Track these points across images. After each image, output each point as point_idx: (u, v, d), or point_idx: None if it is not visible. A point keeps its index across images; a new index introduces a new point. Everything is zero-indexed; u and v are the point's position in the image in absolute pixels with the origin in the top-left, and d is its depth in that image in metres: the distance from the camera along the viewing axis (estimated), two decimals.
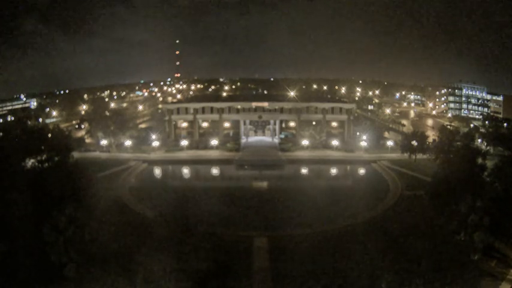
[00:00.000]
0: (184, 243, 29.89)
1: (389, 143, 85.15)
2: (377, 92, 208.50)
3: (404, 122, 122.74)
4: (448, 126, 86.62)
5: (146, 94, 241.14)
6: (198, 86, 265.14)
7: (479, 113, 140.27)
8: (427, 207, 42.39)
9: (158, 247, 28.77)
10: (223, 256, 34.37)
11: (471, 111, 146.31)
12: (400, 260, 31.66)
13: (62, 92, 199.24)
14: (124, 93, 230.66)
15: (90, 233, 31.00)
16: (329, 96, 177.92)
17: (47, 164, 46.48)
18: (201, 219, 38.68)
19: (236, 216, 47.98)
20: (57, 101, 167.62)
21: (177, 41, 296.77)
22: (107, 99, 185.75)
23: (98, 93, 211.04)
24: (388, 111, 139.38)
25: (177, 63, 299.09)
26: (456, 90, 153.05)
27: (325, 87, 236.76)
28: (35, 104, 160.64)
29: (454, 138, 68.25)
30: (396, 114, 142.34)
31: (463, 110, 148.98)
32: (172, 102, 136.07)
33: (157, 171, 75.23)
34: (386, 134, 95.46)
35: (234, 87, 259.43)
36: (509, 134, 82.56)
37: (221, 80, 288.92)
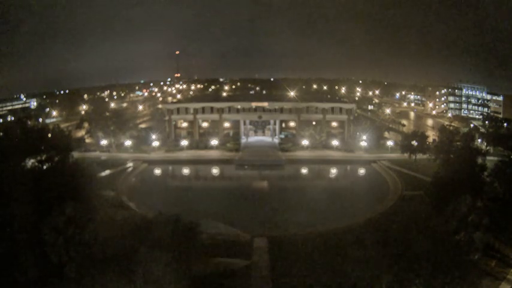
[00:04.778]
0: (184, 243, 29.87)
1: (389, 143, 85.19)
2: (377, 92, 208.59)
3: (404, 121, 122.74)
4: (448, 126, 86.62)
5: (146, 94, 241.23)
6: (198, 86, 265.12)
7: (479, 113, 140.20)
8: (427, 207, 42.35)
9: (158, 247, 28.73)
10: (223, 256, 34.39)
11: (471, 111, 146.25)
12: (400, 260, 31.62)
13: (62, 92, 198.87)
14: (124, 93, 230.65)
15: (90, 233, 30.95)
16: (329, 96, 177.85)
17: (47, 164, 46.39)
18: (201, 219, 38.61)
19: (236, 216, 47.98)
20: (57, 101, 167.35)
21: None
22: (107, 99, 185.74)
23: (98, 93, 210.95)
24: (388, 111, 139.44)
25: (177, 63, 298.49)
26: (456, 90, 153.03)
27: (325, 87, 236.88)
28: (35, 104, 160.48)
29: (454, 138, 68.21)
30: (397, 112, 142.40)
31: (463, 110, 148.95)
32: (172, 102, 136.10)
33: (158, 171, 75.27)
34: (386, 134, 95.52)
35: (234, 87, 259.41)
36: (509, 134, 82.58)
37: (221, 80, 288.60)
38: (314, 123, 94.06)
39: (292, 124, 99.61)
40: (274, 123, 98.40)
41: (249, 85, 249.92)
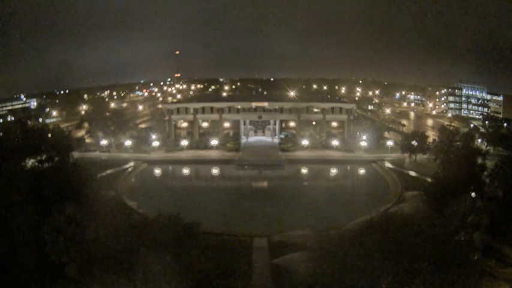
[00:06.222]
0: (184, 243, 29.88)
1: (390, 143, 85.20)
2: (377, 92, 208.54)
3: (404, 121, 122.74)
4: (448, 126, 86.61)
5: (146, 94, 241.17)
6: (198, 86, 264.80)
7: (479, 113, 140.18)
8: (427, 207, 42.33)
9: (158, 247, 28.75)
10: (223, 256, 34.38)
11: (471, 111, 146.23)
12: (400, 260, 31.62)
13: (62, 92, 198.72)
14: (124, 93, 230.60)
15: (91, 232, 30.95)
16: (329, 96, 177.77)
17: (47, 164, 46.38)
18: (201, 219, 38.66)
19: (236, 216, 48.02)
20: (57, 101, 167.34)
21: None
22: (107, 99, 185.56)
23: (98, 93, 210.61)
24: (388, 111, 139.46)
25: (177, 63, 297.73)
26: (456, 90, 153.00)
27: (325, 87, 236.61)
28: (35, 104, 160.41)
29: (454, 138, 68.20)
30: (397, 112, 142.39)
31: (463, 110, 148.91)
32: (172, 102, 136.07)
33: (158, 171, 75.28)
34: (386, 134, 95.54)
35: (234, 87, 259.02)
36: (509, 134, 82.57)
37: (221, 80, 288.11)
38: (314, 123, 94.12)
39: (292, 124, 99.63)
40: (274, 123, 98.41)
41: (249, 85, 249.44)
